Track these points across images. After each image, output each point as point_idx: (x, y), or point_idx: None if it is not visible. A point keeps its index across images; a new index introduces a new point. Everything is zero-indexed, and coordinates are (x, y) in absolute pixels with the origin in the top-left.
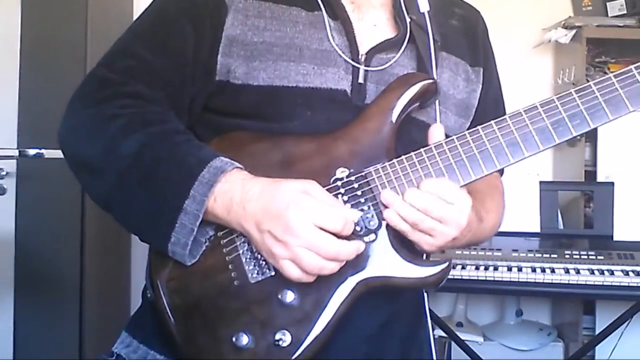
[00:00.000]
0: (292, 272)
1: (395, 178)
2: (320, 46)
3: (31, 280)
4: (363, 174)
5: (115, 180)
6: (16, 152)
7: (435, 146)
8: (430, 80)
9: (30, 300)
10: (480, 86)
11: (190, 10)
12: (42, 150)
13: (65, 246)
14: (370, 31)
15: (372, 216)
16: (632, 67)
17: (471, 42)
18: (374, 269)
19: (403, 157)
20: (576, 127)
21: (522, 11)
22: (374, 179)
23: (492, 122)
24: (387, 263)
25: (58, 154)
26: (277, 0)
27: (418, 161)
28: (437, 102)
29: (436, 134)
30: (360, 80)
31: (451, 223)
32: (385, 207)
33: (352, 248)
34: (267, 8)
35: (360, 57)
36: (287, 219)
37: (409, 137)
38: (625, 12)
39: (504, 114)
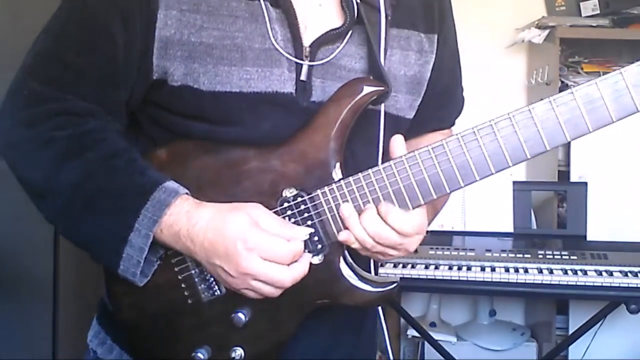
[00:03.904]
0: (255, 296)
1: (343, 202)
2: (262, 45)
3: (4, 281)
4: (311, 195)
5: (59, 207)
6: None
7: (384, 168)
8: (381, 88)
9: (3, 301)
10: (434, 56)
11: (117, 5)
12: None
13: (39, 246)
14: (316, 14)
15: (319, 239)
16: (550, 99)
17: (426, 1)
18: (323, 292)
19: (351, 178)
20: (513, 157)
21: (495, 11)
22: (321, 202)
23: (444, 141)
24: (335, 285)
25: None
26: None
27: (366, 184)
28: None
29: (397, 147)
30: (303, 77)
31: (401, 251)
32: (337, 226)
33: (305, 266)
34: (202, 0)
35: (304, 50)
36: (237, 260)
37: (356, 126)
38: (598, 12)
39: (460, 82)
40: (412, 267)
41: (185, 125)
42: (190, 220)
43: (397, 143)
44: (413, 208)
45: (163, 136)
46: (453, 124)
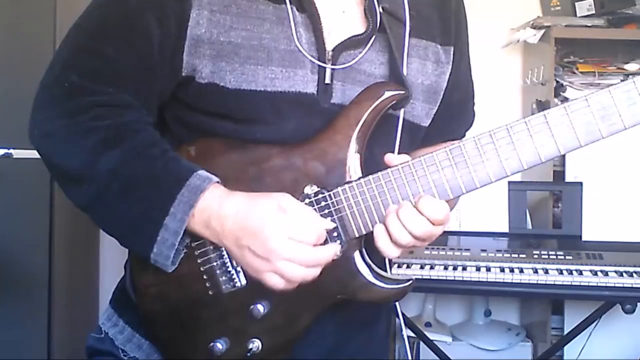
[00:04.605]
0: (276, 283)
1: (362, 199)
2: (288, 46)
3: None
4: (331, 192)
5: (94, 193)
6: None
7: (402, 167)
8: (402, 92)
9: None
10: (450, 67)
11: (154, 4)
12: (11, 151)
13: (34, 246)
14: (339, 20)
15: (338, 235)
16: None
17: (443, 15)
18: (339, 287)
19: (370, 177)
20: (528, 161)
21: (490, 11)
22: (341, 199)
23: (461, 143)
24: (352, 281)
25: (27, 154)
26: None
27: (385, 183)
28: None
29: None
30: (327, 80)
31: (428, 241)
32: (356, 223)
33: (330, 251)
34: (232, 2)
35: (326, 53)
36: (264, 238)
37: (376, 129)
38: (593, 12)
39: (473, 96)
40: (407, 267)
41: (210, 124)
42: (222, 205)
43: (389, 159)
44: None
45: (187, 135)
46: (463, 135)
